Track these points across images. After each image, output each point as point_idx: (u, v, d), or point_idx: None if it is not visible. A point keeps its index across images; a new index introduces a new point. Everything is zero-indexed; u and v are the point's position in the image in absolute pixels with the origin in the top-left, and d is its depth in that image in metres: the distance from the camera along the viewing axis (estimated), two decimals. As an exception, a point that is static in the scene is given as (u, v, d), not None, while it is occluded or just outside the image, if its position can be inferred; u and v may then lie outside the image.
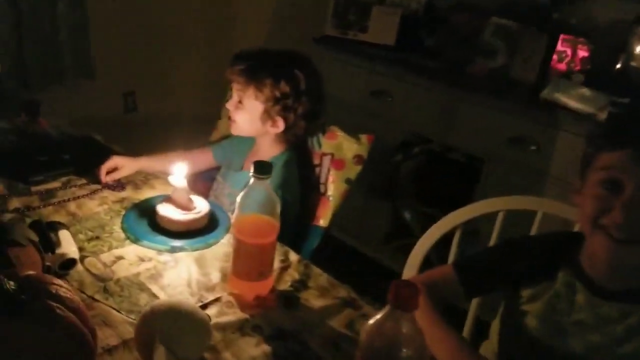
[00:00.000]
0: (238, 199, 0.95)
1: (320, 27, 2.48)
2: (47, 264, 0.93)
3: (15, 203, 1.16)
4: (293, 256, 1.13)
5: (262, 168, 0.92)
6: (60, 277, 0.94)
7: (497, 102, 2.04)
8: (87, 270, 0.99)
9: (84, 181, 1.30)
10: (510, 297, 0.94)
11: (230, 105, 1.34)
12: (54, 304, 0.67)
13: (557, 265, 0.89)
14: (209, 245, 1.13)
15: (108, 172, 1.31)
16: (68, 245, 0.98)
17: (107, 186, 1.28)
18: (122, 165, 1.33)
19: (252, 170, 0.92)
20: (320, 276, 1.07)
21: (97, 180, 1.30)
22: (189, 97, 2.81)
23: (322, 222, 1.44)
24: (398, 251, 2.43)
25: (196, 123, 2.50)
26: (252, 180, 0.93)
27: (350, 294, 1.02)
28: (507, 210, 1.24)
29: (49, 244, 0.94)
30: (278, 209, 0.96)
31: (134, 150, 1.41)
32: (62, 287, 0.72)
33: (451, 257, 1.28)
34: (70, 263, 0.97)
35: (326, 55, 2.42)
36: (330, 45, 2.44)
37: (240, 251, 0.96)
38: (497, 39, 2.25)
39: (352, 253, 2.54)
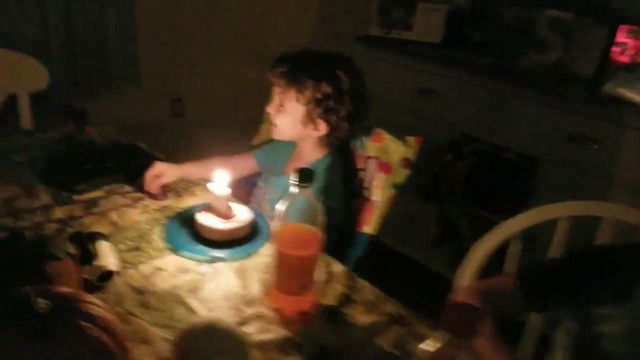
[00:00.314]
0: (278, 207, 0.90)
1: (363, 26, 2.42)
2: (85, 276, 0.91)
3: (59, 213, 1.16)
4: (337, 267, 1.08)
5: (304, 176, 0.87)
6: (98, 289, 0.93)
7: (553, 98, 1.92)
8: (126, 282, 0.97)
9: (126, 189, 1.29)
10: (582, 316, 0.85)
11: (271, 108, 1.30)
12: (85, 324, 0.64)
13: (634, 280, 0.79)
14: (249, 255, 1.09)
15: (152, 180, 1.30)
16: (107, 257, 0.96)
17: (150, 195, 1.27)
18: (164, 172, 1.31)
19: (293, 177, 0.87)
20: (366, 289, 1.01)
21: (140, 188, 1.28)
22: (234, 102, 2.80)
23: (368, 228, 1.38)
24: (447, 256, 2.34)
25: (242, 128, 2.49)
26: (293, 188, 0.88)
27: (399, 310, 0.95)
28: (569, 216, 1.14)
29: (87, 256, 0.92)
30: (321, 219, 0.90)
31: (180, 157, 1.40)
32: (94, 304, 0.69)
33: (507, 268, 1.18)
34: (108, 275, 0.95)
35: (370, 54, 2.35)
36: (373, 44, 2.37)
37: (281, 263, 0.92)
38: (551, 32, 2.12)
39: (399, 258, 2.46)
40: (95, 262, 0.94)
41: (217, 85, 2.74)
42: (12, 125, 1.55)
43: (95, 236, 0.99)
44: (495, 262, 1.24)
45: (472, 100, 2.13)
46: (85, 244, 0.94)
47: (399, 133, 1.37)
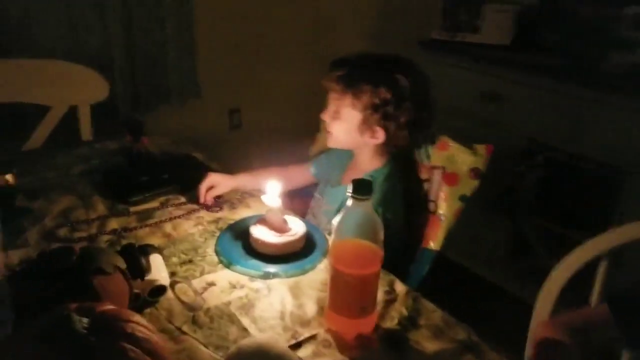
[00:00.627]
0: (334, 221, 0.83)
1: (426, 30, 2.32)
2: (136, 291, 0.87)
3: (113, 224, 1.15)
4: (400, 287, 0.99)
5: (361, 187, 0.79)
6: (149, 304, 0.89)
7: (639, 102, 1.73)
8: (178, 297, 0.93)
9: (181, 200, 1.26)
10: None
11: (326, 116, 1.24)
12: (128, 346, 0.60)
13: None
14: (305, 272, 1.02)
15: (206, 191, 1.27)
16: (159, 271, 0.93)
17: (205, 206, 1.23)
18: (219, 183, 1.27)
19: (349, 189, 0.80)
20: (433, 313, 0.91)
21: (194, 200, 1.25)
22: (291, 110, 2.77)
23: (433, 244, 1.28)
24: (518, 274, 2.18)
25: (299, 137, 2.46)
26: (350, 200, 0.81)
27: (471, 336, 0.85)
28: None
29: (139, 270, 0.89)
30: (381, 235, 0.82)
31: (237, 168, 1.37)
32: (140, 324, 0.64)
33: (594, 295, 1.05)
34: (160, 290, 0.91)
35: (433, 59, 2.25)
36: (437, 48, 2.27)
37: (338, 283, 0.84)
38: (636, 31, 1.94)
39: (465, 275, 2.32)
40: (148, 277, 0.90)
41: (275, 95, 2.72)
42: (72, 137, 1.57)
43: (147, 249, 0.95)
44: (575, 285, 1.10)
45: (546, 105, 1.98)
46: (137, 257, 0.91)
47: (465, 141, 1.27)
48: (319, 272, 1.02)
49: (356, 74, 1.16)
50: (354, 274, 0.82)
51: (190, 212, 1.21)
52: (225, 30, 2.50)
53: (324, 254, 1.07)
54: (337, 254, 0.83)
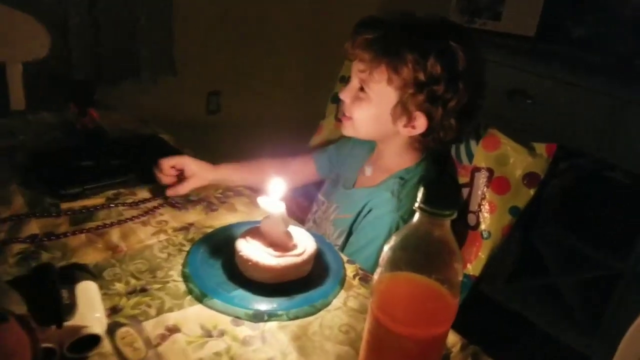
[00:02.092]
0: (386, 247, 0.51)
1: (441, 12, 2.03)
2: (47, 346, 0.53)
3: (33, 227, 0.79)
4: (452, 337, 0.67)
5: (443, 196, 0.47)
6: (71, 366, 0.55)
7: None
8: (118, 351, 0.59)
9: (138, 197, 0.91)
10: None
11: (345, 94, 0.92)
12: None
13: None
14: (316, 310, 0.69)
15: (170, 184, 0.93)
16: (90, 310, 0.59)
17: (167, 201, 0.90)
18: (193, 171, 0.94)
19: (420, 197, 0.48)
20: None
21: (156, 195, 0.91)
22: (280, 96, 2.47)
23: (471, 268, 0.97)
24: (522, 291, 1.92)
25: (289, 127, 2.15)
26: (417, 215, 0.49)
27: None
28: None
29: (54, 311, 0.54)
30: (460, 274, 0.51)
31: (213, 158, 1.03)
32: None
33: None
34: (90, 341, 0.57)
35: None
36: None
37: (382, 345, 0.52)
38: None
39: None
40: (70, 320, 0.56)
41: (261, 78, 2.40)
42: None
43: (74, 273, 0.61)
44: None
45: (573, 105, 1.72)
46: (54, 288, 0.56)
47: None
48: (337, 312, 0.69)
49: (395, 36, 0.84)
50: (412, 336, 0.50)
51: (148, 213, 0.86)
52: (207, 3, 2.16)
53: (342, 282, 0.75)
54: (386, 300, 0.51)
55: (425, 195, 0.47)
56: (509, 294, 1.98)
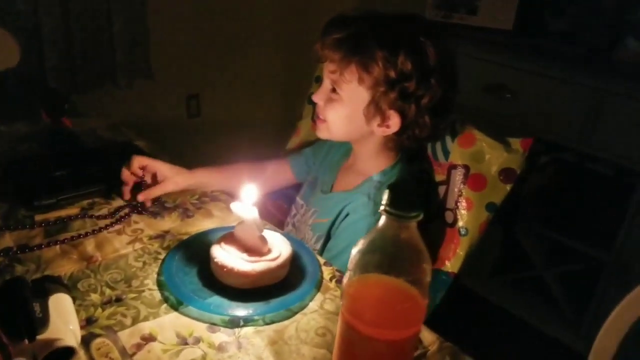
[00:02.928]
0: (354, 251, 0.51)
1: (417, 9, 2.03)
2: (20, 359, 0.53)
3: (7, 240, 0.78)
4: (429, 336, 0.68)
5: (406, 199, 0.48)
6: (43, 380, 0.55)
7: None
8: (94, 363, 0.59)
9: (112, 206, 0.91)
10: None
11: (318, 96, 0.92)
12: None
13: None
14: (292, 314, 0.70)
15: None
16: (64, 322, 0.58)
17: (132, 206, 0.89)
18: (166, 176, 0.93)
19: (385, 200, 0.48)
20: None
21: (133, 204, 0.91)
22: (260, 98, 2.45)
23: (450, 265, 0.98)
24: (507, 286, 1.95)
25: (270, 129, 2.14)
26: (383, 219, 0.49)
27: None
28: None
29: (26, 324, 0.54)
30: (428, 275, 0.51)
31: (194, 163, 1.02)
32: None
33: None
34: (63, 354, 0.57)
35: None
36: (430, 31, 1.99)
37: (354, 348, 0.52)
38: (655, 15, 1.71)
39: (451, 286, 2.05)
40: (43, 334, 0.55)
41: (241, 79, 2.38)
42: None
43: (46, 286, 0.60)
44: None
45: (552, 98, 1.73)
46: (26, 301, 0.56)
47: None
48: (313, 315, 0.70)
49: (364, 35, 0.84)
50: (382, 338, 0.51)
51: (121, 220, 0.86)
52: (183, 5, 2.13)
53: (318, 285, 0.75)
54: (356, 304, 0.51)
55: (390, 198, 0.48)
56: (493, 288, 1.99)
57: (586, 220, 1.83)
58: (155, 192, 0.91)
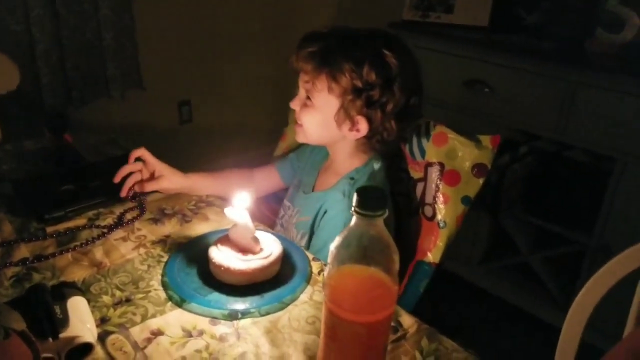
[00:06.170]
0: (332, 247, 0.60)
1: (396, 10, 2.10)
2: (47, 356, 0.61)
3: (23, 251, 0.86)
4: (408, 320, 0.76)
5: (370, 200, 0.56)
6: (68, 372, 0.63)
7: (633, 84, 1.58)
8: (110, 356, 0.66)
9: (117, 214, 0.99)
10: None
11: (295, 103, 1.00)
12: None
13: None
14: (285, 305, 0.78)
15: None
16: (81, 322, 0.66)
17: (131, 198, 0.99)
18: (162, 173, 1.03)
19: (354, 202, 0.56)
20: (455, 353, 0.69)
21: (136, 213, 0.98)
22: (250, 104, 2.51)
23: (431, 256, 1.06)
24: (497, 273, 2.02)
25: (260, 134, 2.20)
26: (354, 218, 0.57)
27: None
28: None
29: (50, 325, 0.62)
30: (397, 263, 0.59)
31: (188, 168, 1.10)
32: None
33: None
34: (84, 349, 0.65)
35: (405, 42, 2.04)
36: (409, 30, 2.05)
37: (335, 332, 0.60)
38: (623, 7, 1.79)
39: (441, 274, 2.13)
40: (64, 332, 0.63)
41: (231, 85, 2.45)
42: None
43: (64, 291, 0.68)
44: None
45: (529, 91, 1.81)
46: (48, 305, 0.64)
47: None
48: (304, 306, 0.78)
49: (333, 49, 0.92)
50: (360, 321, 0.59)
51: (125, 227, 0.93)
52: (172, 11, 2.19)
53: (307, 279, 0.83)
54: (336, 293, 0.59)
55: (358, 200, 0.56)
56: (482, 274, 2.07)
57: (567, 206, 1.91)
58: (151, 185, 1.01)
